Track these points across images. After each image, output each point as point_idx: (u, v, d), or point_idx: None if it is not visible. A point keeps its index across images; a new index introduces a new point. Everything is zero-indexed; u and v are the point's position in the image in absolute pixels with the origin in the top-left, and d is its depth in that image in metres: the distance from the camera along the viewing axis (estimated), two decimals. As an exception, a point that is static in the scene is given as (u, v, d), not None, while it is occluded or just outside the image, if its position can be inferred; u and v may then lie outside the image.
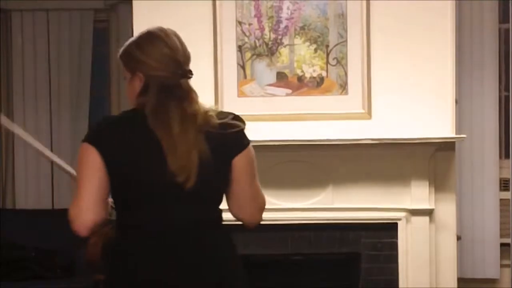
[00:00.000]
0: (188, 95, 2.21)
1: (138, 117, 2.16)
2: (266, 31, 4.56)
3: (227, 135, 2.19)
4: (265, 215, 4.61)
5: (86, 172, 2.14)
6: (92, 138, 2.18)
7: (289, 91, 4.55)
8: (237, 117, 2.26)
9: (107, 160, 2.12)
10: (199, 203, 2.18)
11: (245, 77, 4.58)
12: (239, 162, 2.22)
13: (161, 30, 2.26)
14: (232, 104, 4.50)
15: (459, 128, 4.85)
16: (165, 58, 2.20)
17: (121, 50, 2.27)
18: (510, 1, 5.47)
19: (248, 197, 2.31)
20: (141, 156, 2.14)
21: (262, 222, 4.91)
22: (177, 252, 2.15)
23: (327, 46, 4.54)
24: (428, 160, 4.46)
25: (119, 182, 2.15)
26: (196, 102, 2.22)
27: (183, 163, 2.11)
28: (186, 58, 2.28)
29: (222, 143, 2.18)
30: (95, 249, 2.43)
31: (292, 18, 4.56)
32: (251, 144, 2.26)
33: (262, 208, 2.41)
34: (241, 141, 2.24)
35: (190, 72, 2.25)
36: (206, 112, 2.20)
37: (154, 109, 2.15)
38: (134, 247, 2.16)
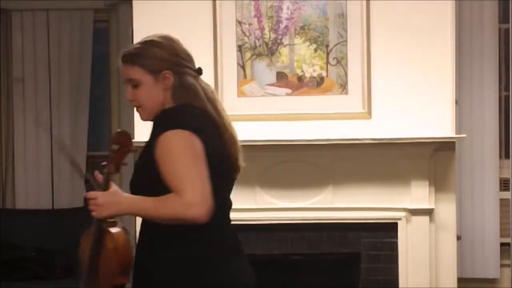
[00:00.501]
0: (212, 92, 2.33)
1: (202, 111, 2.21)
2: (266, 31, 4.56)
3: None
4: (265, 215, 4.63)
5: (200, 158, 2.10)
6: (195, 128, 2.12)
7: (289, 91, 4.55)
8: None
9: (207, 149, 2.14)
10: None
11: (245, 77, 4.58)
12: None
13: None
14: (232, 104, 4.50)
15: (459, 128, 4.84)
16: (187, 53, 2.29)
17: (133, 53, 2.26)
18: (510, 1, 5.47)
19: None
20: (224, 150, 2.23)
21: (262, 222, 4.93)
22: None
23: (327, 46, 4.54)
24: (428, 160, 4.46)
25: (212, 174, 2.12)
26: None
27: (238, 157, 2.29)
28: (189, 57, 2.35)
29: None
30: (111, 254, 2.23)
31: (292, 18, 4.56)
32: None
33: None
34: None
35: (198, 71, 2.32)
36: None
37: (211, 104, 2.24)
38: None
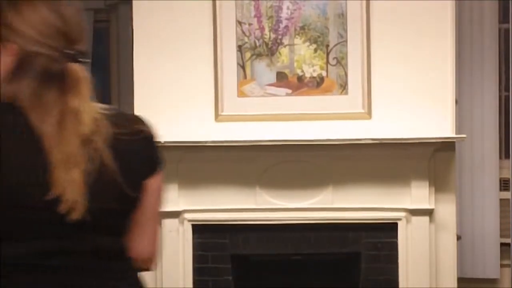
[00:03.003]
0: (76, 86, 1.54)
1: (10, 111, 1.50)
2: (266, 31, 4.56)
3: (132, 149, 1.61)
4: (265, 215, 4.63)
5: None
6: None
7: (289, 91, 4.55)
8: (149, 123, 1.70)
9: None
10: (90, 234, 1.56)
11: (245, 77, 4.58)
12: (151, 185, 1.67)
13: None
14: (232, 104, 4.50)
15: (459, 128, 4.84)
16: (50, 29, 1.52)
17: None
18: (510, 1, 5.47)
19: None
20: (12, 167, 1.48)
21: (262, 222, 4.93)
22: None
23: (327, 46, 4.54)
24: (428, 160, 4.46)
25: None
26: (84, 97, 1.55)
27: (62, 183, 1.49)
28: (80, 33, 1.59)
29: (126, 159, 1.58)
30: None
31: (292, 18, 4.56)
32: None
33: (157, 247, 1.79)
34: (153, 159, 1.68)
35: (83, 53, 1.60)
36: (95, 114, 1.55)
37: (32, 102, 1.51)
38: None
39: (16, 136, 1.49)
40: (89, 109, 1.52)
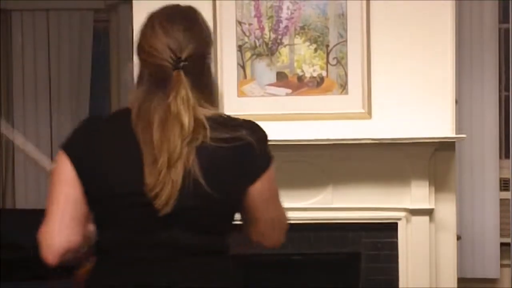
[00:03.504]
0: (178, 91, 1.75)
1: (125, 117, 1.76)
2: (266, 31, 4.56)
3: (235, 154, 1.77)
4: (265, 215, 4.60)
5: (56, 187, 1.78)
6: (67, 145, 1.79)
7: (289, 91, 4.55)
8: (253, 129, 1.88)
9: (79, 172, 1.75)
10: (183, 229, 1.75)
11: (245, 77, 4.58)
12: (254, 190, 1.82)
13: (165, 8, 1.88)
14: (232, 104, 4.50)
15: (459, 128, 4.84)
16: (163, 46, 1.81)
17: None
18: (510, 1, 5.47)
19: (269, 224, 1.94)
20: (115, 167, 1.74)
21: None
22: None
23: (327, 46, 4.54)
24: (428, 160, 4.46)
25: (91, 198, 1.77)
26: (185, 101, 1.75)
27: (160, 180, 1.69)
28: (185, 48, 1.80)
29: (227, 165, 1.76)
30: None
31: (292, 18, 4.56)
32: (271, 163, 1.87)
33: (285, 229, 2.11)
34: (250, 165, 1.82)
35: (185, 61, 1.78)
36: (198, 117, 1.75)
37: (139, 107, 1.76)
38: (105, 276, 1.79)
39: (123, 136, 1.74)
40: (190, 113, 1.73)
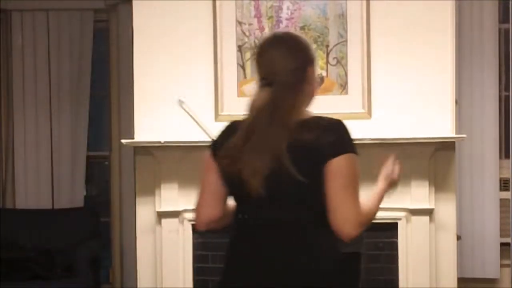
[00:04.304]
0: (283, 99, 2.32)
1: (234, 123, 2.38)
2: (266, 31, 4.56)
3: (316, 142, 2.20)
4: (265, 215, 4.60)
5: (204, 174, 2.33)
6: (212, 142, 2.38)
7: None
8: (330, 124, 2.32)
9: (216, 160, 2.28)
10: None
11: (245, 77, 4.58)
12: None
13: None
14: (232, 104, 4.50)
15: (459, 128, 4.84)
16: (258, 63, 2.35)
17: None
18: (510, 1, 5.47)
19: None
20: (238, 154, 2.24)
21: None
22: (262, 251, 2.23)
23: (327, 46, 4.54)
24: (428, 160, 4.46)
25: (224, 180, 2.28)
26: (288, 106, 2.31)
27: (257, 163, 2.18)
28: (282, 70, 2.34)
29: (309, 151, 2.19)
30: None
31: (292, 18, 4.56)
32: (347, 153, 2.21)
33: (356, 223, 2.38)
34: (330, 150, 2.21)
35: (283, 79, 2.36)
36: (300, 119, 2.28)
37: (254, 108, 2.37)
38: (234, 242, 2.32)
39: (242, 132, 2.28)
40: (292, 115, 2.27)
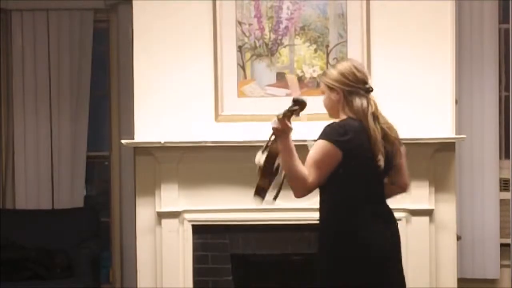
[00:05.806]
0: (376, 108, 3.13)
1: (356, 121, 3.01)
2: (266, 31, 4.56)
3: None
4: (265, 215, 4.63)
5: (324, 162, 2.98)
6: (335, 140, 2.97)
7: (289, 91, 4.55)
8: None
9: (346, 156, 2.94)
10: None
11: (245, 77, 4.58)
12: None
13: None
14: (232, 104, 4.50)
15: (459, 128, 4.84)
16: (356, 76, 3.08)
17: (322, 73, 3.26)
18: (510, 1, 5.47)
19: None
20: (368, 152, 2.97)
21: (262, 222, 4.92)
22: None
23: (327, 46, 4.54)
24: (428, 161, 4.46)
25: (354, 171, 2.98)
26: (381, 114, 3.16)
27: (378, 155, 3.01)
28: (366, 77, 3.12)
29: None
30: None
31: (292, 18, 4.56)
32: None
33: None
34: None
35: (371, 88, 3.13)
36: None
37: (372, 116, 3.04)
38: None
39: (362, 132, 2.98)
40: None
